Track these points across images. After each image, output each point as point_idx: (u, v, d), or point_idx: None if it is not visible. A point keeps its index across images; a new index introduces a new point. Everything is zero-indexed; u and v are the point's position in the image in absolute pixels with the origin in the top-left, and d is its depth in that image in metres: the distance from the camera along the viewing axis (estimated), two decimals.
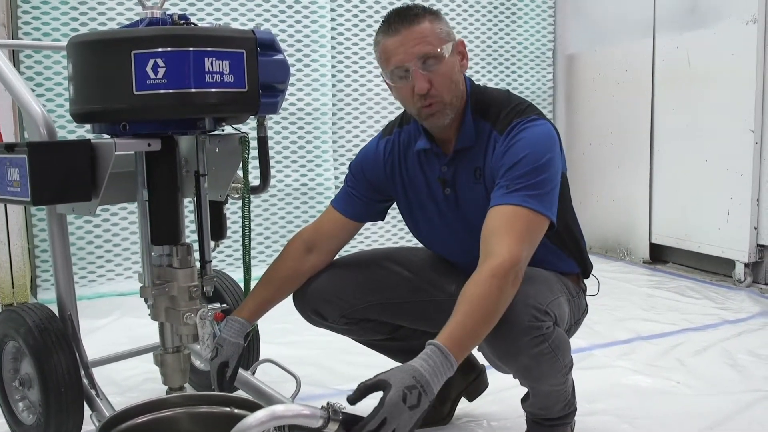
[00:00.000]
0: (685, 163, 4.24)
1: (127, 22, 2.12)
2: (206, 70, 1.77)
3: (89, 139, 1.85)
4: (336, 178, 4.44)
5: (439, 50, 1.76)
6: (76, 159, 1.82)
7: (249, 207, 2.07)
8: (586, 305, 2.01)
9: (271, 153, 4.23)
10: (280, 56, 1.97)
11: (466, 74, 1.93)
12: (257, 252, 4.30)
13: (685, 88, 4.20)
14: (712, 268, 4.19)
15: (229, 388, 1.97)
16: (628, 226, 4.69)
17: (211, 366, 1.96)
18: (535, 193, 1.67)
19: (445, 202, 1.93)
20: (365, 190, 2.05)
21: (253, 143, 2.06)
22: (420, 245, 2.16)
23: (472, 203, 1.87)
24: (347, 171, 2.11)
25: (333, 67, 4.43)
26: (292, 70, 4.29)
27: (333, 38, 4.42)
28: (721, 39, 3.95)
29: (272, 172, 4.29)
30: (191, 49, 1.75)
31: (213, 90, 1.78)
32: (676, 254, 4.44)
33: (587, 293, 2.03)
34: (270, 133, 4.23)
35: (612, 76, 4.74)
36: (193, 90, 1.75)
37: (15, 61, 3.75)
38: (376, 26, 4.48)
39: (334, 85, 4.45)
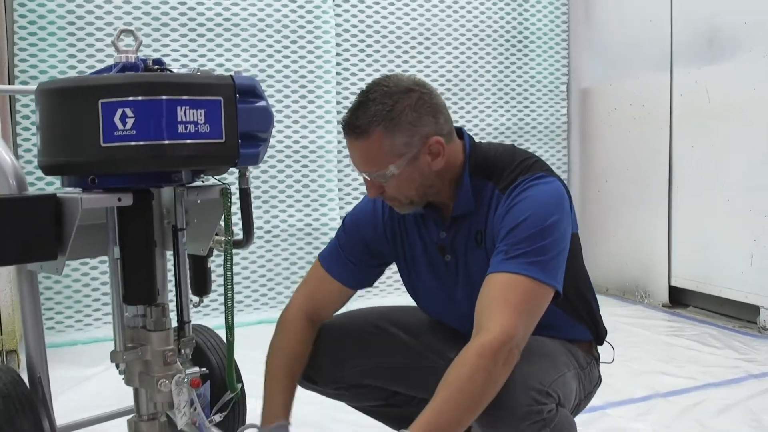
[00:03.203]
0: (705, 202, 4.06)
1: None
2: (179, 120, 1.63)
3: (54, 193, 1.72)
4: (341, 218, 4.29)
5: (381, 172, 1.63)
6: (39, 215, 1.68)
7: (231, 264, 1.91)
8: (599, 376, 1.84)
9: (274, 192, 4.13)
10: (262, 103, 1.83)
11: (465, 131, 1.78)
12: (259, 295, 4.15)
13: (704, 124, 4.03)
14: (735, 313, 3.99)
15: None
16: (646, 268, 4.50)
17: None
18: (537, 260, 1.51)
19: (446, 269, 1.78)
20: (361, 254, 1.89)
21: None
22: None
23: (474, 269, 1.71)
24: (340, 224, 1.97)
25: (338, 103, 4.30)
26: (297, 107, 4.18)
27: (338, 74, 4.30)
28: (742, 73, 3.79)
29: (275, 212, 4.16)
30: (162, 97, 1.61)
31: (187, 141, 1.63)
32: (697, 298, 4.24)
33: (601, 361, 1.86)
34: (273, 172, 4.14)
35: (628, 111, 4.57)
36: (163, 142, 1.61)
37: (12, 102, 3.65)
38: (383, 62, 4.41)
39: (339, 123, 4.31)
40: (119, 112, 1.60)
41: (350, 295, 1.93)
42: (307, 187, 4.23)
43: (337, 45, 4.28)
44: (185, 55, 3.94)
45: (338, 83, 4.30)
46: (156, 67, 1.75)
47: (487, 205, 1.68)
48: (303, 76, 4.19)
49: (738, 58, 3.82)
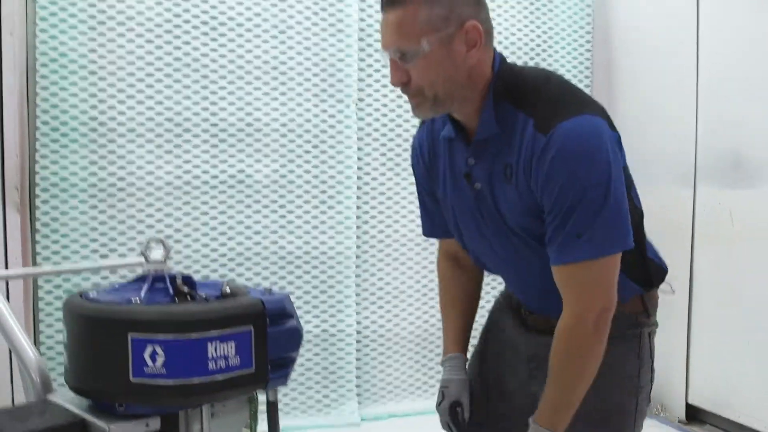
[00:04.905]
0: (727, 324, 3.99)
1: None
2: (209, 356, 1.62)
3: (83, 419, 1.69)
4: (358, 323, 4.26)
5: (413, 46, 1.54)
6: None
7: None
8: (651, 349, 1.88)
9: (291, 298, 4.08)
10: (292, 323, 1.83)
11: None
12: None
13: (727, 246, 3.98)
14: None
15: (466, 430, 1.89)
16: (663, 381, 4.41)
17: (440, 412, 1.88)
18: (594, 237, 1.54)
19: (477, 198, 1.71)
20: (429, 198, 1.92)
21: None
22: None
23: (505, 203, 1.66)
24: None
25: (358, 208, 4.27)
26: (316, 212, 4.15)
27: (359, 178, 4.27)
28: (766, 201, 3.74)
29: None
30: (192, 335, 1.60)
31: (217, 377, 1.63)
32: (716, 418, 4.18)
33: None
34: (290, 278, 4.11)
35: (648, 224, 4.49)
36: (192, 381, 1.60)
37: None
38: (404, 165, 4.36)
39: (358, 227, 4.28)
40: (149, 349, 1.59)
41: None
42: (324, 293, 4.18)
43: (359, 149, 4.26)
44: (206, 161, 3.93)
45: (359, 188, 4.28)
46: (185, 287, 1.73)
47: (519, 137, 1.59)
48: (324, 182, 4.17)
49: (763, 187, 3.78)
